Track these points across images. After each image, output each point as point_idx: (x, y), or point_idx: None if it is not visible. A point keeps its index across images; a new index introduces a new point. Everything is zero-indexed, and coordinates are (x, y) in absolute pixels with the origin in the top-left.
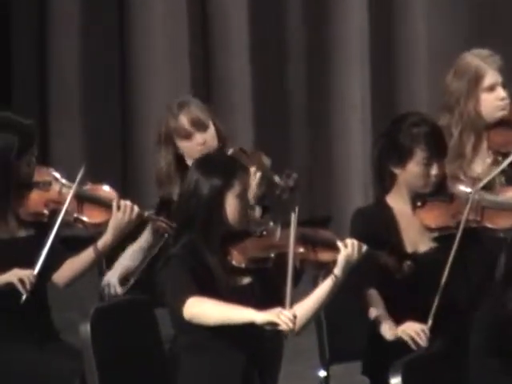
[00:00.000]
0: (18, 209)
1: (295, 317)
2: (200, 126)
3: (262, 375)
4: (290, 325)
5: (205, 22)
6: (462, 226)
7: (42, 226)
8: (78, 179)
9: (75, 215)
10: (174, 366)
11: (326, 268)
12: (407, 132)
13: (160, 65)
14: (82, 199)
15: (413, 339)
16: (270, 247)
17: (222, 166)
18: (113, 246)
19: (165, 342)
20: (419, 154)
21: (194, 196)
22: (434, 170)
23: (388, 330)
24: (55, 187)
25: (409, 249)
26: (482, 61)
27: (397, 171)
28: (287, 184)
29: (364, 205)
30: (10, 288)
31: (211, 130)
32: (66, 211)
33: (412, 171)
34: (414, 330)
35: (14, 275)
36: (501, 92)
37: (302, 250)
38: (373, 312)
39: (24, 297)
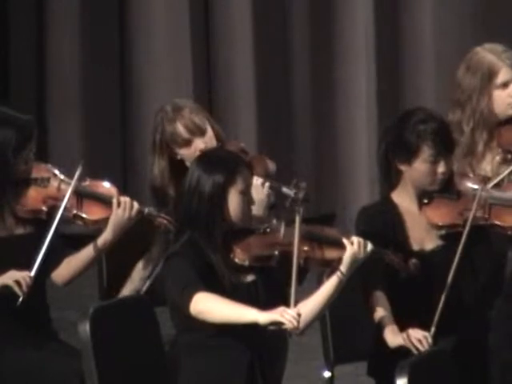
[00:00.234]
0: (15, 206)
1: (299, 315)
2: (198, 132)
3: (265, 375)
4: (295, 323)
5: (207, 17)
6: (469, 224)
7: (40, 224)
8: (76, 175)
9: (74, 212)
10: (175, 365)
11: (331, 266)
12: (414, 129)
13: (161, 61)
14: (81, 195)
15: (415, 347)
16: (274, 245)
17: (223, 162)
18: (113, 243)
19: (165, 341)
20: (426, 151)
21: (196, 193)
22: (440, 168)
23: (390, 337)
24: (54, 183)
25: (415, 247)
26: (495, 57)
27: (403, 168)
28: (298, 196)
29: (370, 202)
30: (6, 291)
31: (209, 132)
32: (65, 208)
33: (418, 168)
34: (415, 338)
35: (9, 277)
36: None
37: (306, 247)
38: (377, 315)
39: (20, 299)
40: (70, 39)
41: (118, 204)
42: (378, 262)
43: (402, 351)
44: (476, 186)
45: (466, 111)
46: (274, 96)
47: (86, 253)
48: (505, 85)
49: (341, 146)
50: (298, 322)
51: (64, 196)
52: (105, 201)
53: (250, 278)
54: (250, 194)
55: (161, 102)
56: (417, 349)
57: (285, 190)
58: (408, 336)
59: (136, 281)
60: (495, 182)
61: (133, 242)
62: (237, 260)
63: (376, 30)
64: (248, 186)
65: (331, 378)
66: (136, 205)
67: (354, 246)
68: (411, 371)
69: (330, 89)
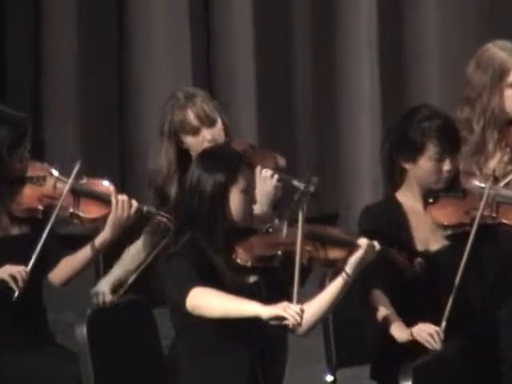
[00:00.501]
0: (10, 205)
1: (302, 311)
2: (208, 122)
3: (267, 377)
4: (298, 319)
5: (207, 17)
6: (476, 223)
7: (36, 224)
8: (73, 173)
9: (71, 210)
10: (174, 369)
11: (335, 266)
12: (418, 126)
13: (160, 61)
14: (78, 194)
15: (427, 341)
16: (277, 245)
17: (225, 160)
18: (111, 242)
19: (164, 344)
20: (431, 149)
21: (197, 192)
22: (446, 166)
23: (399, 331)
24: (50, 182)
25: (420, 247)
26: (506, 54)
27: (407, 167)
28: (309, 189)
29: (373, 202)
30: (1, 286)
31: (219, 124)
32: (62, 206)
33: (423, 167)
34: (427, 332)
35: (4, 272)
36: None
37: (310, 247)
38: (381, 313)
39: (16, 293)
40: (68, 37)
41: (117, 202)
42: (377, 261)
43: (406, 353)
44: (483, 185)
45: (475, 109)
46: (275, 96)
47: (84, 253)
48: None
49: (343, 145)
50: (301, 318)
51: (60, 194)
52: (102, 199)
53: (252, 278)
54: (251, 193)
55: (160, 102)
56: (429, 344)
57: (295, 182)
58: (419, 330)
59: (126, 262)
60: (505, 181)
61: (131, 241)
62: (239, 260)
63: (379, 29)
64: (250, 185)
65: (334, 382)
66: (135, 203)
67: (364, 248)
68: (415, 374)
69: (332, 88)
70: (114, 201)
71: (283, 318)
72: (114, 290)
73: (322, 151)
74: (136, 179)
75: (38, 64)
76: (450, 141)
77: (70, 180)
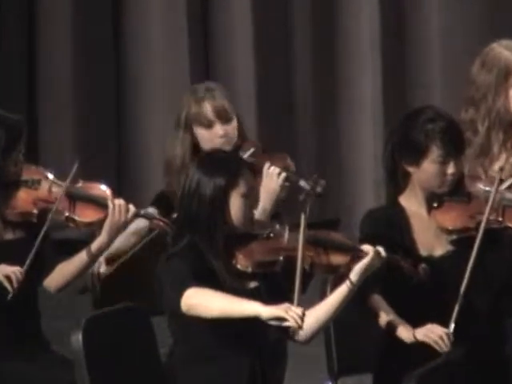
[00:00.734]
0: (4, 209)
1: (304, 314)
2: (223, 117)
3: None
4: (299, 321)
5: (205, 17)
6: (482, 227)
7: (31, 228)
8: (70, 177)
9: (67, 214)
10: (173, 377)
11: (337, 272)
12: (421, 128)
13: (158, 61)
14: (73, 197)
15: (436, 343)
16: (278, 250)
17: (225, 164)
18: (108, 247)
19: (162, 352)
20: (434, 152)
21: (196, 196)
22: (450, 169)
23: (406, 334)
24: (45, 185)
25: (423, 252)
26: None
27: (411, 170)
28: (315, 190)
29: (376, 206)
30: None
31: (234, 123)
32: (57, 210)
33: (427, 170)
34: (437, 334)
35: None
36: None
37: (312, 252)
38: (384, 317)
39: (10, 295)
40: (63, 38)
41: (113, 206)
42: (380, 266)
43: (410, 361)
44: (488, 188)
45: (480, 110)
46: (275, 96)
47: (80, 258)
48: None
49: (345, 148)
50: (302, 321)
51: (56, 198)
52: (98, 203)
53: (252, 284)
54: (252, 198)
55: (157, 103)
56: (439, 347)
57: (302, 182)
58: (427, 331)
59: (126, 235)
60: (509, 183)
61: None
62: (239, 266)
63: (381, 26)
64: (251, 189)
65: None
66: (132, 207)
67: (369, 255)
68: (419, 383)
69: (333, 88)
70: (110, 205)
71: (284, 320)
72: (109, 261)
73: (322, 152)
74: (133, 183)
75: (32, 66)
76: (455, 143)
77: (66, 183)
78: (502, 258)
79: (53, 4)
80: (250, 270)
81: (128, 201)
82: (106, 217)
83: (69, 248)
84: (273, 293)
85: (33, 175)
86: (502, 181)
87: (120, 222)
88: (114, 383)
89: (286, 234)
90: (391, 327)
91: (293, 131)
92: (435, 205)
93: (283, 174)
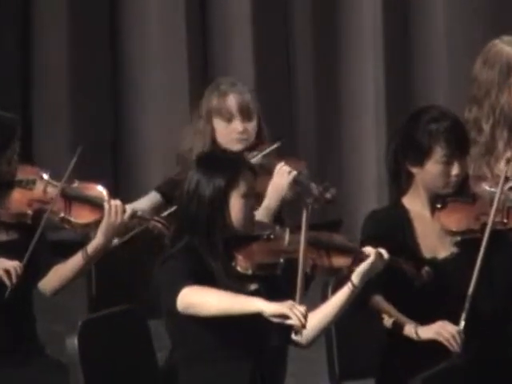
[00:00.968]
0: None
1: (307, 313)
2: (245, 114)
3: None
4: (302, 320)
5: (204, 15)
6: (488, 229)
7: (25, 229)
8: (65, 177)
9: (62, 215)
10: (171, 381)
11: (339, 274)
12: (425, 128)
13: (156, 60)
14: (69, 198)
15: (448, 341)
16: (279, 252)
17: (225, 164)
18: (104, 249)
19: (159, 356)
20: (438, 152)
21: (195, 196)
22: (454, 170)
23: (415, 331)
24: (40, 186)
25: (426, 255)
26: None
27: (414, 170)
28: (324, 196)
29: (379, 207)
30: None
31: (254, 122)
32: (52, 211)
33: (431, 170)
34: (449, 332)
35: None
36: None
37: (314, 254)
38: (388, 317)
39: (9, 290)
40: (58, 37)
41: (109, 207)
42: (383, 269)
43: (413, 365)
44: (493, 189)
45: (483, 108)
46: (275, 96)
47: (75, 260)
48: None
49: (347, 148)
50: (306, 319)
51: (51, 199)
52: (95, 204)
53: (252, 286)
54: (253, 199)
55: (155, 101)
56: (451, 345)
57: (313, 185)
58: (440, 328)
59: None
60: None
61: (124, 249)
62: (239, 268)
63: (384, 25)
64: (251, 190)
65: None
66: (128, 208)
67: (371, 257)
68: None
69: (334, 88)
70: (106, 206)
71: (287, 317)
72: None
73: (324, 152)
74: (130, 185)
75: (27, 65)
76: (459, 143)
77: (61, 183)
78: (507, 259)
79: (48, 7)
80: (250, 272)
81: (125, 202)
82: (102, 218)
83: (63, 250)
84: (273, 296)
85: (28, 175)
86: (507, 179)
87: (116, 224)
88: None
89: (287, 236)
90: (397, 326)
91: (293, 131)
92: (439, 206)
93: (293, 173)
